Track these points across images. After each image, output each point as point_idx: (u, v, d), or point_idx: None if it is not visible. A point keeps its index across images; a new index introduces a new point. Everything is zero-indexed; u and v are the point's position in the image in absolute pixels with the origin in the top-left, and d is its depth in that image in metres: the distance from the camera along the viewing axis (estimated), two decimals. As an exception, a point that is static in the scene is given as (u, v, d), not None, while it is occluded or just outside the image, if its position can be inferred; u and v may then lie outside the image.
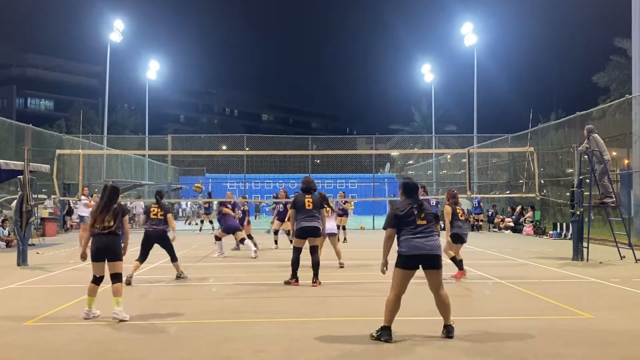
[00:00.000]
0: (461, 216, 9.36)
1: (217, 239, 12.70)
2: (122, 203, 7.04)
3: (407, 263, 5.39)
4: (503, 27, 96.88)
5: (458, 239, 9.18)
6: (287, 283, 8.53)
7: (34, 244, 14.60)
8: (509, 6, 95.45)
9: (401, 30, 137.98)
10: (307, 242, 8.69)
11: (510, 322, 6.09)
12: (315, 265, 8.59)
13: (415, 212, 5.48)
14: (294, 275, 8.57)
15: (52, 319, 6.31)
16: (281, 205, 15.28)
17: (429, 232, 5.48)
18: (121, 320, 6.11)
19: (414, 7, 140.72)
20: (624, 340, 5.38)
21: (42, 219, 18.91)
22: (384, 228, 5.59)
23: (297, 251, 8.65)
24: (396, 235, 5.53)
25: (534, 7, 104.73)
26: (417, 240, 5.40)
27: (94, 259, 6.41)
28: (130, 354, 4.98)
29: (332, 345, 5.22)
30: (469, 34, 31.46)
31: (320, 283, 8.50)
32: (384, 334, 5.32)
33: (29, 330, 5.82)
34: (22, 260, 11.19)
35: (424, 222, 5.48)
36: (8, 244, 15.29)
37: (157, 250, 14.58)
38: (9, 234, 15.75)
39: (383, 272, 5.66)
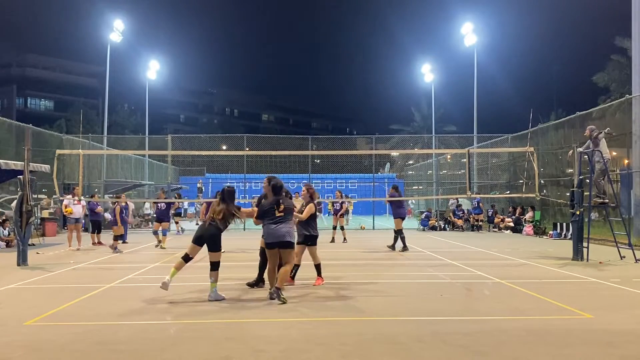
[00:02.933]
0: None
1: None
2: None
3: (268, 246, 7.55)
4: (503, 27, 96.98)
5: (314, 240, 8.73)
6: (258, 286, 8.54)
7: (34, 244, 14.61)
8: (509, 6, 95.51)
9: (401, 30, 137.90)
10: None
11: (510, 322, 6.09)
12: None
13: (275, 207, 7.45)
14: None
15: (52, 319, 6.31)
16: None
17: (283, 221, 7.43)
18: (215, 300, 7.28)
19: (414, 7, 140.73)
20: (624, 340, 5.38)
21: (42, 219, 18.92)
22: (256, 218, 7.63)
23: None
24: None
25: (534, 7, 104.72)
26: (271, 228, 7.42)
27: (194, 242, 7.48)
28: (130, 354, 4.98)
29: (331, 345, 5.21)
30: (469, 34, 31.42)
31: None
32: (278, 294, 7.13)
33: (29, 330, 5.82)
34: (22, 260, 11.19)
35: (282, 214, 7.45)
36: (8, 244, 15.29)
37: (156, 250, 14.59)
38: (9, 234, 15.75)
39: None
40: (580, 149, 12.51)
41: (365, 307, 6.96)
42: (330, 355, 4.90)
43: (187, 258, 7.51)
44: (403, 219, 14.58)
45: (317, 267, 8.75)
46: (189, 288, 8.32)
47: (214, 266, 7.48)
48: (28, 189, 11.54)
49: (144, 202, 27.33)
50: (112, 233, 14.47)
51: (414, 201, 35.79)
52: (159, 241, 15.03)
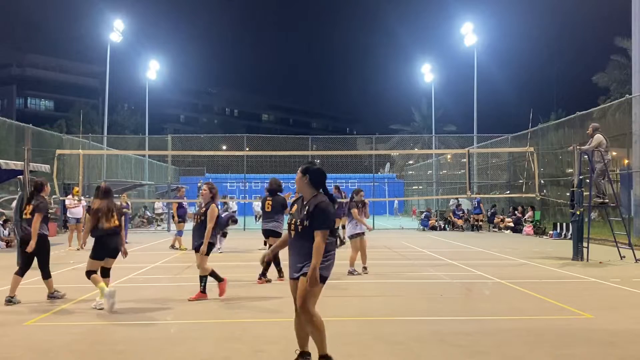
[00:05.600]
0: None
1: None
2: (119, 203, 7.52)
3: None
4: (503, 27, 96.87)
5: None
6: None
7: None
8: (509, 6, 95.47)
9: (401, 30, 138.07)
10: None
11: (510, 322, 6.09)
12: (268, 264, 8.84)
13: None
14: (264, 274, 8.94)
15: (52, 319, 6.32)
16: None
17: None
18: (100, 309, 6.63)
19: (414, 7, 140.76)
20: (624, 340, 5.38)
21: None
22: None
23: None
24: None
25: (534, 7, 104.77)
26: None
27: (96, 258, 7.06)
28: (130, 354, 4.98)
29: (332, 345, 5.21)
30: (469, 34, 31.43)
31: (265, 281, 8.83)
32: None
33: (29, 330, 5.82)
34: (22, 260, 11.19)
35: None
36: (8, 244, 15.29)
37: (156, 250, 14.58)
38: (9, 234, 15.74)
39: None
40: (585, 147, 12.45)
41: (365, 307, 6.96)
42: (331, 355, 4.89)
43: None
44: (339, 219, 14.57)
45: (203, 278, 7.55)
46: (189, 288, 8.31)
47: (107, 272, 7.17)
48: (28, 189, 11.53)
49: (154, 202, 27.40)
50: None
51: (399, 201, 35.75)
52: (179, 245, 14.43)
